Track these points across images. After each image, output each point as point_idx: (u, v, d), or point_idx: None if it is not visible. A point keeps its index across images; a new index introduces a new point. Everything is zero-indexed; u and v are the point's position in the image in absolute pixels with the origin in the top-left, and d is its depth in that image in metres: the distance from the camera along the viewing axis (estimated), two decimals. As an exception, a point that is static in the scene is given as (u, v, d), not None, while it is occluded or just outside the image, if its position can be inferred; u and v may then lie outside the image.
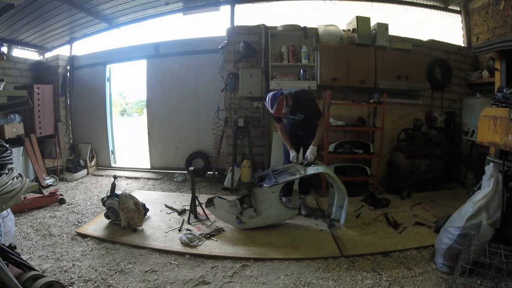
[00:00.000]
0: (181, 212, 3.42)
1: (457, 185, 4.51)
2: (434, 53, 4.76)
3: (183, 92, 5.17)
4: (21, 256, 2.02)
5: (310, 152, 3.05)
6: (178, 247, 2.65)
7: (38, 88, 4.87)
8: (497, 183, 2.14)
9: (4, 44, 4.76)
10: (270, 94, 2.99)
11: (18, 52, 5.22)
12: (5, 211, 2.26)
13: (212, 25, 5.35)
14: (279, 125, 3.28)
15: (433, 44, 4.79)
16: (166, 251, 2.61)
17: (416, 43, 4.63)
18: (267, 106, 3.01)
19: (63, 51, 5.60)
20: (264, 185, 2.92)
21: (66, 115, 5.57)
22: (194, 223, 3.15)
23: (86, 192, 4.36)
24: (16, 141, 4.36)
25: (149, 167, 5.55)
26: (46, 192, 4.03)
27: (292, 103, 3.01)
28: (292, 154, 3.19)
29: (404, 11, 5.04)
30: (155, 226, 3.09)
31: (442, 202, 3.69)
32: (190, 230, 2.97)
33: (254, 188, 2.99)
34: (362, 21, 4.26)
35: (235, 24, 4.71)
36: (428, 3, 5.06)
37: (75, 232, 2.99)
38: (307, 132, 3.24)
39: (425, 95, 4.72)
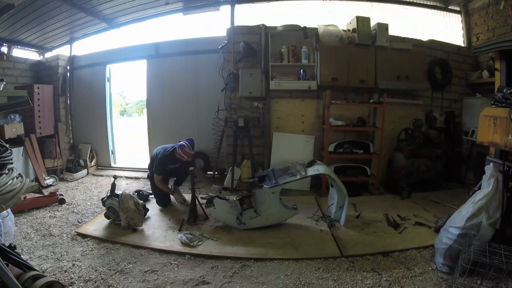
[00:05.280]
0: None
1: (457, 185, 4.50)
2: (434, 53, 4.76)
3: (183, 92, 5.17)
4: (21, 256, 2.02)
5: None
6: (178, 247, 2.66)
7: (38, 88, 4.88)
8: (497, 183, 2.15)
9: (4, 44, 4.77)
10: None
11: (18, 52, 5.23)
12: (5, 211, 2.26)
13: (212, 25, 5.36)
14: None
15: (433, 44, 4.79)
16: (166, 251, 2.61)
17: (416, 43, 4.63)
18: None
19: (63, 51, 5.61)
20: (264, 186, 2.92)
21: (66, 115, 5.57)
22: (194, 223, 3.15)
23: (86, 192, 4.36)
24: (16, 141, 4.36)
25: (149, 167, 5.54)
26: (46, 192, 4.02)
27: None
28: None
29: (404, 11, 5.04)
30: (155, 226, 3.09)
31: (442, 202, 3.68)
32: (190, 230, 2.97)
33: (254, 189, 2.99)
34: (362, 21, 4.26)
35: (235, 24, 4.71)
36: (428, 3, 5.06)
37: (75, 232, 2.99)
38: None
39: (425, 95, 4.72)
